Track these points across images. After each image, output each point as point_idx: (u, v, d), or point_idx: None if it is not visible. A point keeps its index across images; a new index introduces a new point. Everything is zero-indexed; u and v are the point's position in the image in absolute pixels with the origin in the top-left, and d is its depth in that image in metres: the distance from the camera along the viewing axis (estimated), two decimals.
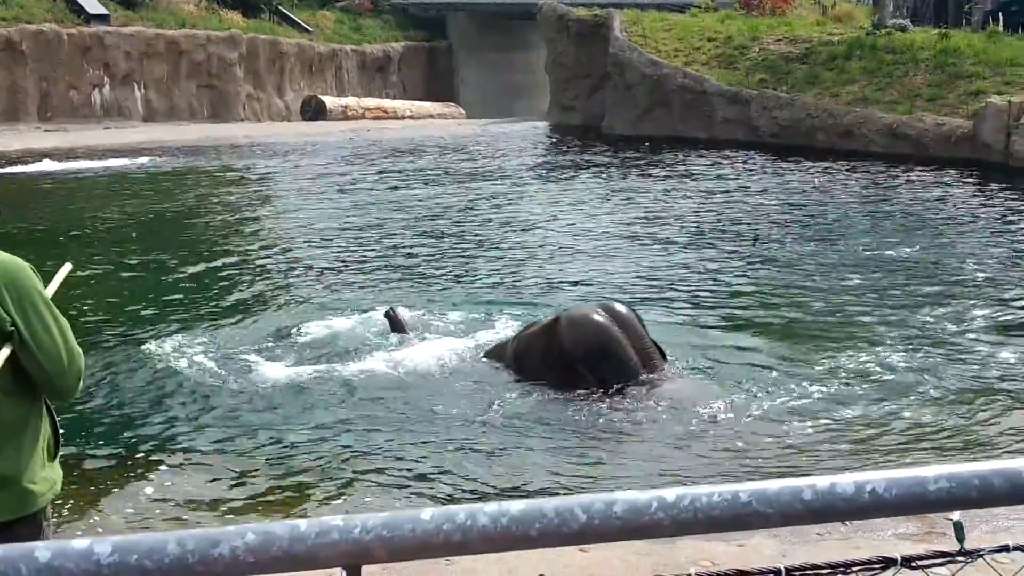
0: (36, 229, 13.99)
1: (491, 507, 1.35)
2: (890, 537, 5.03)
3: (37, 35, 26.76)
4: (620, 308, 7.52)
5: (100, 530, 5.34)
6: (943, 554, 1.58)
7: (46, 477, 2.83)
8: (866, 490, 1.37)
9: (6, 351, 2.63)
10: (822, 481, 1.38)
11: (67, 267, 3.19)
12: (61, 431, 2.97)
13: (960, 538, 1.56)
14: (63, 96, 27.59)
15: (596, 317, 7.29)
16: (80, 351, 2.81)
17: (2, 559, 1.30)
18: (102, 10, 28.87)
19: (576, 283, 11.10)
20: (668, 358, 7.53)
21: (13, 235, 12.43)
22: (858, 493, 1.37)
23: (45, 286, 2.82)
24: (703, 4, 30.33)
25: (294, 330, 9.13)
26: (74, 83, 27.79)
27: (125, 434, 6.81)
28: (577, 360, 7.13)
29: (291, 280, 11.35)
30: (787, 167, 19.59)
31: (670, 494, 1.37)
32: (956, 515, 1.54)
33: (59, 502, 5.55)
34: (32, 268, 2.77)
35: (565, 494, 5.81)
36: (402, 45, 40.25)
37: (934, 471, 1.40)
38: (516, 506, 1.35)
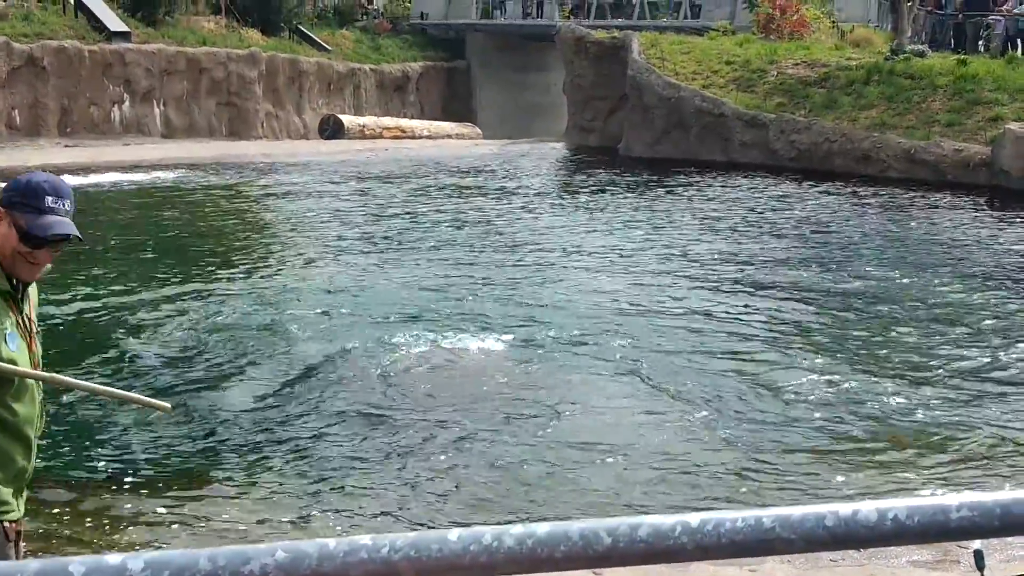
0: None
1: (517, 529, 1.36)
2: (905, 564, 5.01)
3: (59, 51, 26.93)
4: None
5: (137, 548, 5.35)
6: None
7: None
8: (888, 517, 1.38)
9: None
10: (844, 508, 1.39)
11: (164, 406, 3.26)
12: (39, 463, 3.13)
13: (980, 566, 1.57)
14: (83, 112, 27.73)
15: None
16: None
17: (37, 574, 1.32)
18: (123, 27, 29.04)
19: (579, 302, 11.15)
20: None
21: None
22: (880, 520, 1.37)
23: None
24: (721, 27, 30.37)
25: (310, 344, 9.17)
26: (95, 99, 27.92)
27: (146, 453, 6.83)
28: None
29: (312, 296, 11.38)
30: (804, 191, 19.57)
31: (694, 519, 1.38)
32: (977, 543, 1.55)
33: (89, 521, 5.59)
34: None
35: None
36: (420, 65, 40.37)
37: (956, 499, 1.40)
38: (542, 528, 1.37)
